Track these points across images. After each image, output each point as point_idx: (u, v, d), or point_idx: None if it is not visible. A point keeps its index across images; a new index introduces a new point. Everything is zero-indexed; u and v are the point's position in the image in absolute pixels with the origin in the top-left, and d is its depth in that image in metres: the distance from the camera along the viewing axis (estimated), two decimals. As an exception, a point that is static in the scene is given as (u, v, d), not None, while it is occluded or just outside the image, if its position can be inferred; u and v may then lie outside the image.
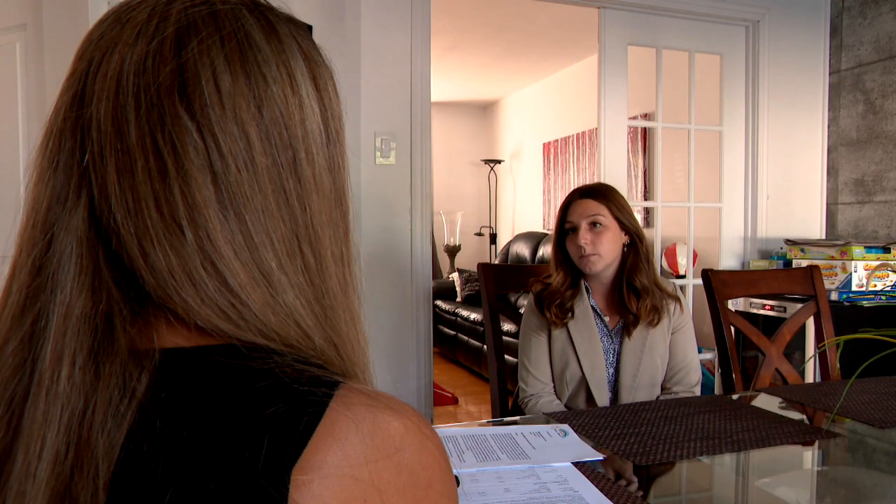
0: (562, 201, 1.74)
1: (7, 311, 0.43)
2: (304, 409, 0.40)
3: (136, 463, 0.39)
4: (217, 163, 0.44)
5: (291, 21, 0.51)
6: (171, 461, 0.38)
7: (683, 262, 3.68)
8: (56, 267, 0.43)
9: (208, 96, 0.44)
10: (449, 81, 6.10)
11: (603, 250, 1.64)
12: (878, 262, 2.70)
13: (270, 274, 0.45)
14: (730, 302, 2.21)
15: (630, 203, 1.74)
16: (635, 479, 1.08)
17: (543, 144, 6.17)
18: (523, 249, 5.22)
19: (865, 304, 2.67)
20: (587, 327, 1.68)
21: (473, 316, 4.91)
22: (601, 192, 1.68)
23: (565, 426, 1.28)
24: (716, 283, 1.97)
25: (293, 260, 0.47)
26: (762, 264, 3.09)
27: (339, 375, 0.44)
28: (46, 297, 0.42)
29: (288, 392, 0.41)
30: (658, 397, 1.70)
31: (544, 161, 6.14)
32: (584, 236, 1.64)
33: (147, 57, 0.44)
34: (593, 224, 1.65)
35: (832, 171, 3.29)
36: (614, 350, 1.70)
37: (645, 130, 4.49)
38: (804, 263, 2.63)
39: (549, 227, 5.89)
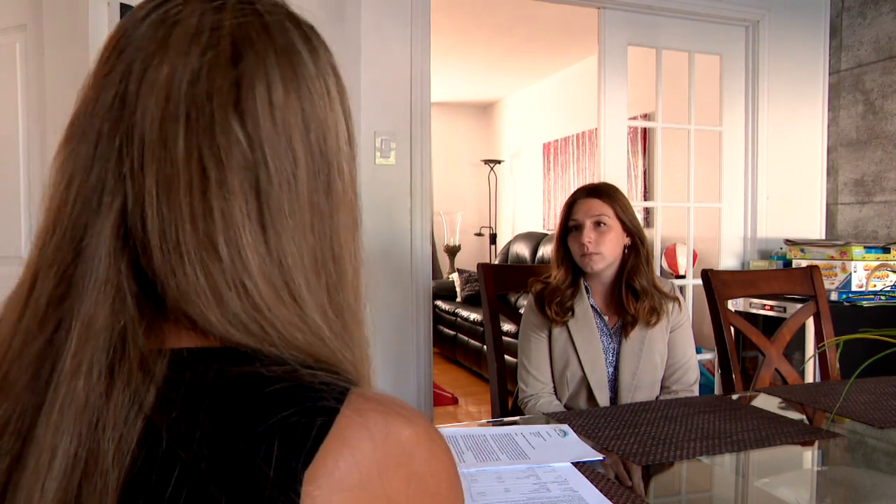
0: (566, 199, 1.75)
1: (29, 318, 0.43)
2: (315, 416, 0.39)
3: (146, 474, 0.38)
4: (263, 178, 0.44)
5: (315, 32, 0.51)
6: (181, 471, 0.38)
7: (683, 262, 3.68)
8: (82, 276, 0.42)
9: (261, 110, 0.44)
10: (449, 81, 6.10)
11: (605, 250, 1.65)
12: (877, 263, 2.70)
13: (299, 293, 0.45)
14: (730, 302, 2.20)
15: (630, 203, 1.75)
16: (635, 480, 1.08)
17: (543, 144, 6.16)
18: (523, 249, 5.22)
19: (865, 304, 2.67)
20: (587, 326, 1.69)
21: (473, 316, 4.91)
22: (606, 193, 1.70)
23: (565, 426, 1.28)
24: (716, 283, 1.97)
25: (319, 277, 0.47)
26: (762, 264, 3.09)
27: (349, 382, 0.43)
28: (70, 305, 0.42)
29: (298, 398, 0.40)
30: (658, 397, 1.71)
31: (544, 161, 6.14)
32: (588, 235, 1.65)
33: (202, 67, 0.44)
34: (597, 223, 1.66)
35: (832, 171, 3.29)
36: (614, 349, 1.71)
37: (645, 130, 4.49)
38: (804, 263, 2.63)
39: (550, 228, 5.89)
